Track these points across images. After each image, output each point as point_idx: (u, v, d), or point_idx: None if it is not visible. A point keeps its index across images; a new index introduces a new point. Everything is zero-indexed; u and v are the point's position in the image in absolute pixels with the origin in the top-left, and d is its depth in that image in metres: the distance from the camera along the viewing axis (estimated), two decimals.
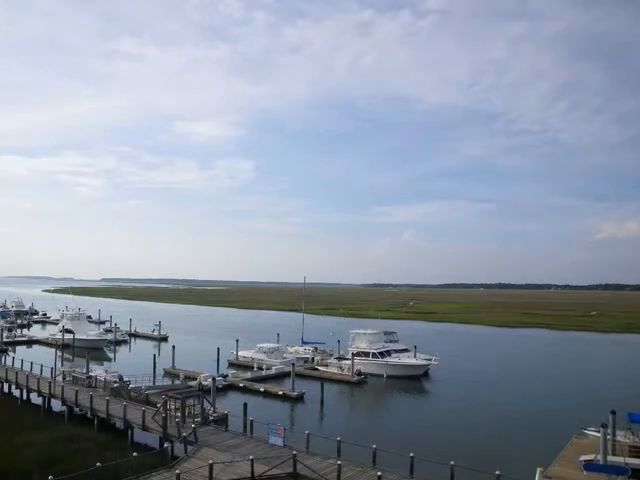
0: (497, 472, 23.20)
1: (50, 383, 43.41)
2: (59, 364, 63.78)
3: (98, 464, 23.90)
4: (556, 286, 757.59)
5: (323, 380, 55.59)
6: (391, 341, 71.00)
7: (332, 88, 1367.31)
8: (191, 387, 45.06)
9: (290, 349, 76.63)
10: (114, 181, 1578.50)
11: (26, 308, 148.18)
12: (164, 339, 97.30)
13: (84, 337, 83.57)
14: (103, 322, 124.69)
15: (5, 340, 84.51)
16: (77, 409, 39.69)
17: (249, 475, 24.64)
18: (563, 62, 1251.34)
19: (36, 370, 53.00)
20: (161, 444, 31.60)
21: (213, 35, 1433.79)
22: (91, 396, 37.73)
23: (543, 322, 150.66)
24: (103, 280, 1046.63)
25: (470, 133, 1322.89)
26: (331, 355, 72.93)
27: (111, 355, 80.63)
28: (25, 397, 46.19)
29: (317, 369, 64.54)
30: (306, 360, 70.19)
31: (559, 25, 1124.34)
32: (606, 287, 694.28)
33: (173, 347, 65.22)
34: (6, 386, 49.76)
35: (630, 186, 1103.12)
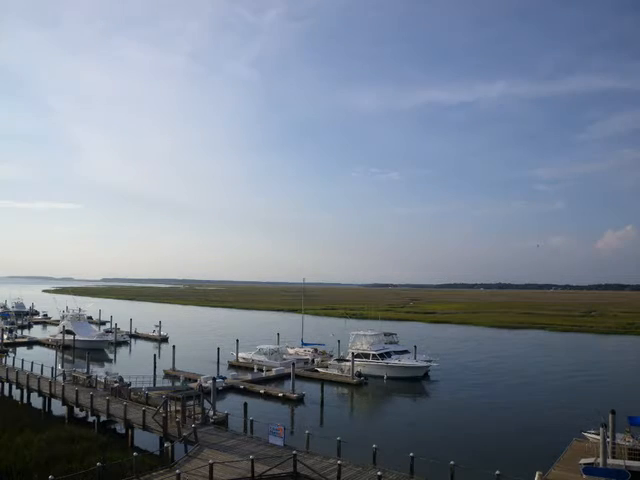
0: (497, 472, 23.27)
1: (51, 383, 43.45)
2: (59, 365, 63.77)
3: (98, 464, 24.01)
4: (556, 286, 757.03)
5: (323, 382, 55.51)
6: (391, 342, 70.99)
7: None
8: (191, 389, 45.04)
9: (290, 350, 76.69)
10: None
11: (26, 309, 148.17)
12: (164, 340, 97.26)
13: (85, 338, 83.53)
14: (103, 323, 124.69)
15: (5, 341, 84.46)
16: (78, 409, 39.79)
17: (249, 475, 24.69)
18: None
19: (36, 370, 53.06)
20: (161, 444, 31.65)
21: None
22: (92, 396, 37.78)
23: (543, 322, 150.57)
24: (103, 280, 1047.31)
25: None
26: (331, 356, 72.94)
27: (111, 356, 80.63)
28: (26, 397, 46.26)
29: (317, 370, 64.51)
30: (306, 361, 70.19)
31: None
32: (606, 287, 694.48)
33: (173, 347, 65.26)
34: (7, 386, 49.82)
35: None
